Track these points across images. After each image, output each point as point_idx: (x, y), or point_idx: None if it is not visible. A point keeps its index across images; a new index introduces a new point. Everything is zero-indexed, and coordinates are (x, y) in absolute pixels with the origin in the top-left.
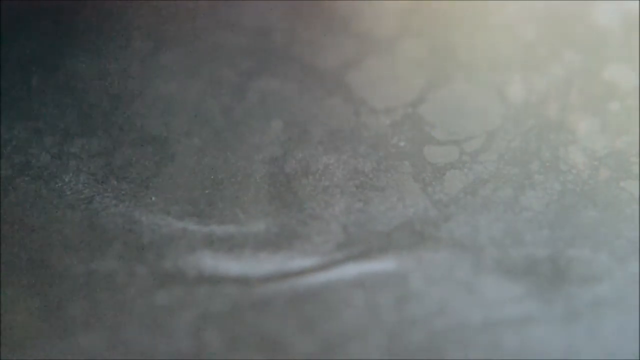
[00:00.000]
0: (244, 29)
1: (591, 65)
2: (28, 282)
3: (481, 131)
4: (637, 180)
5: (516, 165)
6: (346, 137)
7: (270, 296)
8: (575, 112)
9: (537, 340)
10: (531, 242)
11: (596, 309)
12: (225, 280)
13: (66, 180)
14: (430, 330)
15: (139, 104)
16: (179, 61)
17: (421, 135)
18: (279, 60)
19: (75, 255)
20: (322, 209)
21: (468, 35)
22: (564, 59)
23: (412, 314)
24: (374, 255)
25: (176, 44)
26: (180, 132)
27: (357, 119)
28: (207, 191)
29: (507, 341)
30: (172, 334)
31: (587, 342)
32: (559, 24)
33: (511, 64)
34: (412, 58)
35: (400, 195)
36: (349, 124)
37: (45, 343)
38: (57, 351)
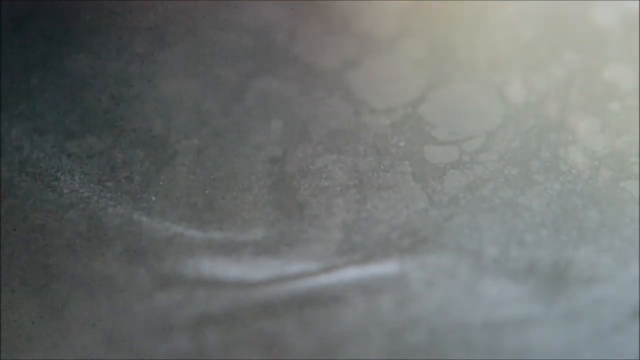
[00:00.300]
0: (244, 29)
1: (591, 65)
2: (28, 282)
3: (481, 131)
4: (637, 180)
5: (516, 165)
6: (346, 137)
7: (270, 299)
8: (575, 112)
9: (537, 341)
10: (531, 242)
11: (597, 309)
12: (224, 283)
13: (66, 180)
14: (430, 332)
15: (139, 104)
16: (179, 61)
17: (421, 135)
18: (279, 60)
19: (75, 256)
20: (322, 210)
21: (468, 35)
22: (564, 59)
23: (412, 315)
24: (374, 257)
25: (176, 44)
26: (180, 132)
27: (357, 119)
28: (206, 191)
29: (508, 342)
30: (171, 335)
31: (587, 342)
32: (559, 24)
33: (511, 64)
34: (412, 58)
35: (400, 195)
36: (349, 124)
37: (45, 343)
38: (57, 351)
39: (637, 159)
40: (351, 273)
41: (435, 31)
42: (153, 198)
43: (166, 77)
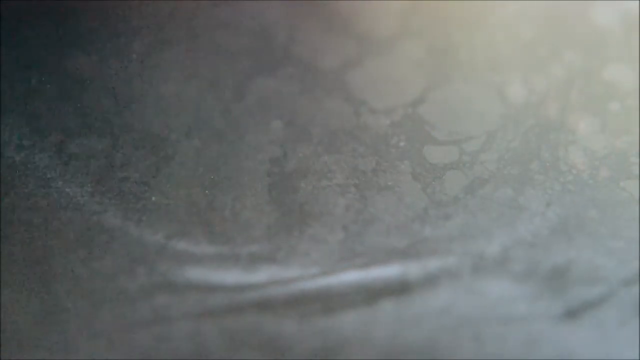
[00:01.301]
0: (244, 29)
1: (591, 65)
2: (28, 282)
3: (481, 131)
4: (637, 180)
5: (516, 165)
6: (346, 137)
7: (269, 300)
8: (575, 112)
9: (536, 340)
10: (531, 242)
11: (597, 309)
12: (223, 284)
13: (65, 180)
14: (430, 332)
15: (139, 104)
16: (179, 61)
17: (421, 135)
18: (279, 60)
19: (75, 256)
20: (322, 210)
21: (468, 35)
22: (564, 59)
23: (412, 316)
24: (374, 257)
25: (176, 44)
26: (180, 132)
27: (357, 119)
28: (206, 191)
29: (508, 341)
30: (171, 336)
31: (587, 342)
32: (559, 24)
33: (511, 64)
34: (412, 58)
35: (400, 195)
36: (349, 124)
37: (45, 343)
38: (57, 351)
39: (637, 159)
40: (352, 274)
41: (435, 31)
42: (153, 198)
43: (166, 77)
